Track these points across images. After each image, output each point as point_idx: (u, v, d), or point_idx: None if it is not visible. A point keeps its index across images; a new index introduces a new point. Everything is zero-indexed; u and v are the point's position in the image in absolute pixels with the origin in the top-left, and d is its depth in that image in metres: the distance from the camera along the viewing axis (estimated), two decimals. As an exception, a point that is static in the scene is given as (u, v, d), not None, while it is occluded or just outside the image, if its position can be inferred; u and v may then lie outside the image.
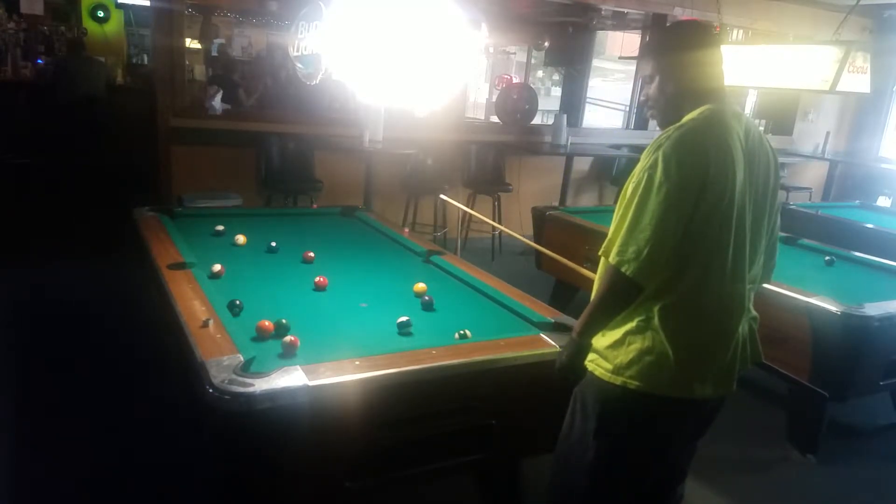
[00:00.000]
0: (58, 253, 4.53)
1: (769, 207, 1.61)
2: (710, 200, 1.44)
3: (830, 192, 7.15)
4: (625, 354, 1.53)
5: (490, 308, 2.32)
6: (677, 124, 1.52)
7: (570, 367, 1.62)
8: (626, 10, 6.72)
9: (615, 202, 5.74)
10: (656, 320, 1.51)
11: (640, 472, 1.65)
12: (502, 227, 3.00)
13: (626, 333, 1.54)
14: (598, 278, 1.59)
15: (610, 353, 1.56)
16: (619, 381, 1.54)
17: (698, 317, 1.51)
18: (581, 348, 1.59)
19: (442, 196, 3.18)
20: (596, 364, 1.59)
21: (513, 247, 5.65)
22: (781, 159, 7.00)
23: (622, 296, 1.49)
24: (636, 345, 1.52)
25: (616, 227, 1.52)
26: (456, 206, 3.25)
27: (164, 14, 4.63)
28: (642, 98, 1.67)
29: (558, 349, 1.90)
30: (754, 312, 1.65)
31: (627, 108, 8.20)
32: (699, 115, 1.53)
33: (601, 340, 1.58)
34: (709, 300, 1.51)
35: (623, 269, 1.44)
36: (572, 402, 1.68)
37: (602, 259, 1.56)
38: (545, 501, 1.76)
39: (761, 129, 7.94)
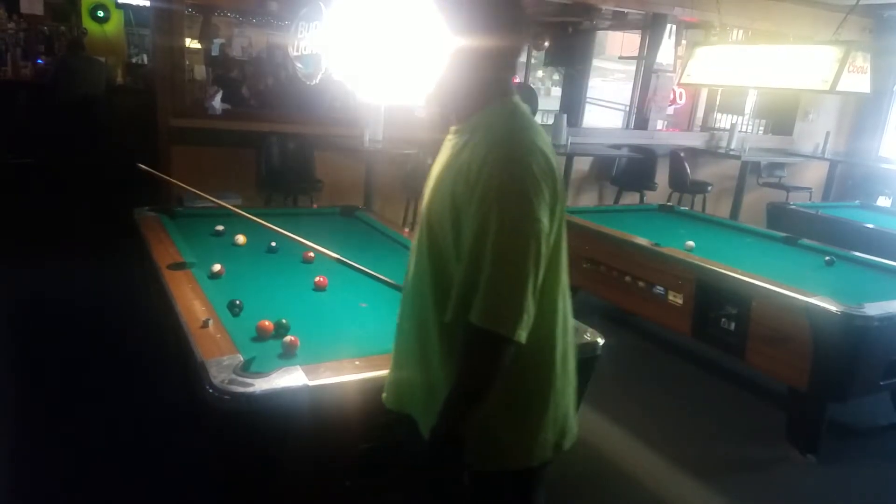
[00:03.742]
0: (57, 253, 4.53)
1: None
2: (558, 217, 1.19)
3: (830, 192, 7.15)
4: (494, 435, 1.23)
5: (490, 308, 2.31)
6: (507, 128, 1.19)
7: (447, 465, 1.19)
8: (626, 10, 6.71)
9: (615, 202, 5.73)
10: (528, 380, 1.24)
11: None
12: (216, 200, 2.69)
13: (493, 406, 1.19)
14: (462, 349, 1.16)
15: (477, 437, 1.20)
16: (494, 468, 1.26)
17: (562, 358, 1.29)
18: (455, 445, 1.18)
19: (139, 164, 2.75)
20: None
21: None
22: (782, 159, 6.96)
23: (505, 365, 1.15)
24: (503, 416, 1.23)
25: (469, 278, 1.13)
26: (155, 175, 2.82)
27: (164, 14, 4.63)
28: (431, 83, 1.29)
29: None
30: None
31: (627, 108, 8.19)
32: (509, 111, 1.23)
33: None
34: (566, 334, 1.30)
35: (509, 335, 1.10)
36: None
37: (456, 324, 1.16)
38: None
39: (761, 128, 7.79)
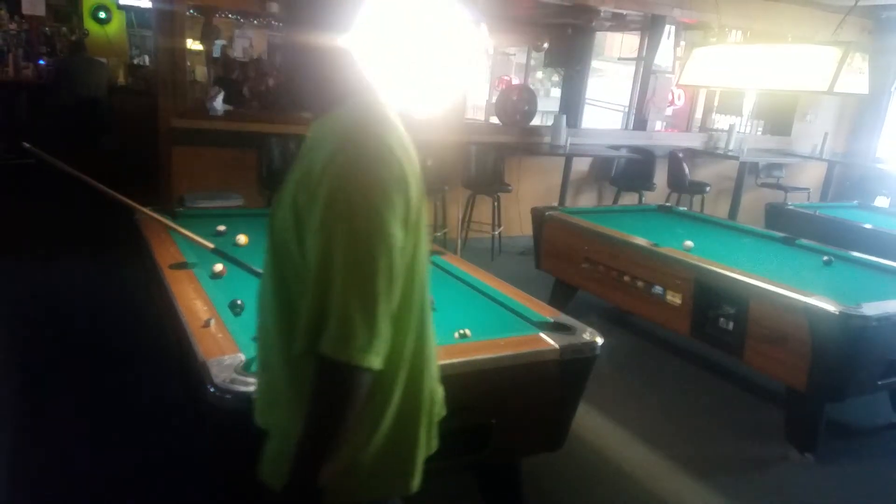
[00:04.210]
0: (59, 253, 4.54)
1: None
2: (414, 228, 1.09)
3: (829, 192, 7.17)
4: (358, 464, 1.12)
5: (490, 308, 2.33)
6: (353, 130, 1.07)
7: None
8: (624, 12, 6.74)
9: (614, 202, 5.72)
10: (387, 404, 1.13)
11: None
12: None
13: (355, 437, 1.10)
14: (312, 386, 1.02)
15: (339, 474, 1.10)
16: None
17: (410, 382, 1.16)
18: (313, 497, 1.05)
19: (25, 144, 2.64)
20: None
21: (513, 247, 5.67)
22: (780, 160, 6.95)
23: (361, 398, 1.03)
24: (367, 444, 1.12)
25: (316, 305, 1.00)
26: (45, 158, 2.62)
27: (166, 15, 4.64)
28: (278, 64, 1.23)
29: (558, 348, 1.92)
30: None
31: (626, 109, 8.22)
32: (359, 111, 1.11)
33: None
34: (420, 357, 1.17)
35: (361, 363, 0.98)
36: None
37: (305, 357, 1.02)
38: None
39: (759, 129, 7.78)
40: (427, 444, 1.24)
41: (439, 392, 1.28)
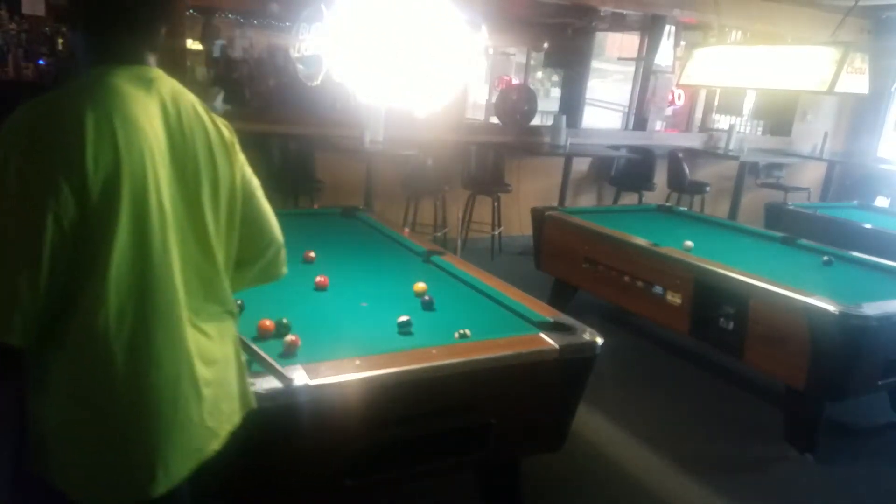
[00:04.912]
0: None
1: (223, 203, 1.28)
2: (98, 204, 1.01)
3: (829, 192, 7.17)
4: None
5: (490, 308, 2.33)
6: (41, 97, 1.08)
7: None
8: (624, 12, 6.74)
9: (614, 202, 5.74)
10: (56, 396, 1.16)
11: None
12: None
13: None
14: None
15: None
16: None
17: (107, 374, 1.11)
18: None
19: None
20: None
21: (512, 247, 5.67)
22: (780, 160, 6.92)
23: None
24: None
25: None
26: None
27: (165, 15, 4.64)
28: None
29: (557, 348, 1.92)
30: (220, 353, 1.26)
31: (626, 109, 8.22)
32: (81, 79, 1.11)
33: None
34: (120, 345, 1.08)
35: None
36: None
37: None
38: None
39: (759, 129, 7.75)
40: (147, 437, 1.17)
41: (180, 369, 1.16)
